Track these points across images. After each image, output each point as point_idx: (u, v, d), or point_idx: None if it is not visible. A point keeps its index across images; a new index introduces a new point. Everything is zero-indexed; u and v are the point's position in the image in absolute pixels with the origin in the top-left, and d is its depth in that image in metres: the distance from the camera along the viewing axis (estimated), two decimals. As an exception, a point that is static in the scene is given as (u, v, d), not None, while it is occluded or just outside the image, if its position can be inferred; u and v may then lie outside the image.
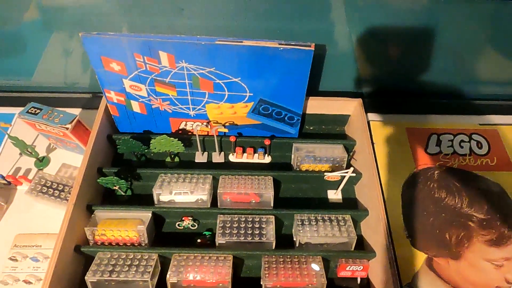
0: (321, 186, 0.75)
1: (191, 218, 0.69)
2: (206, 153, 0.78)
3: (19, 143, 0.71)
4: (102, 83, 0.68)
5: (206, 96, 0.69)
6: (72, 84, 0.90)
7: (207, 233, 0.69)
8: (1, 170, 0.77)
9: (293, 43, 0.59)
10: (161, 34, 0.61)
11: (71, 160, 0.79)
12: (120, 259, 0.62)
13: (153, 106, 0.72)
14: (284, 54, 0.60)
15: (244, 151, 0.77)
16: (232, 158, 0.78)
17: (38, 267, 0.67)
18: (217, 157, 0.78)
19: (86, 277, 0.59)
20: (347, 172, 0.66)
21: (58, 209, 0.71)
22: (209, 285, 0.61)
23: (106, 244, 0.65)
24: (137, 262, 0.62)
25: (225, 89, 0.67)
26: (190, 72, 0.64)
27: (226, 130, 0.75)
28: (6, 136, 0.81)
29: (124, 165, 0.76)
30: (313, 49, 0.59)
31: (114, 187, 0.70)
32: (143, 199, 0.73)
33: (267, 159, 0.78)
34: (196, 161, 0.78)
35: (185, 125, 0.76)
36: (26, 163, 0.79)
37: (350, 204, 0.74)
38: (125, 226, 0.65)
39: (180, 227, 0.70)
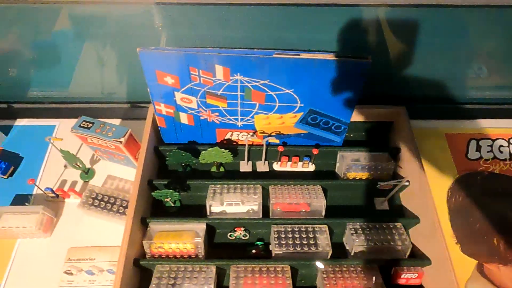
0: (367, 194, 0.76)
1: (243, 229, 0.70)
2: (250, 162, 0.79)
3: (69, 157, 0.71)
4: (153, 96, 0.68)
5: (257, 107, 0.69)
6: (109, 95, 0.91)
7: (259, 243, 0.70)
8: (46, 183, 0.77)
9: (350, 55, 0.60)
10: (204, 46, 0.62)
11: (115, 171, 0.80)
12: (180, 272, 0.63)
13: (201, 118, 0.72)
14: (340, 66, 0.61)
15: (289, 160, 0.77)
16: (276, 167, 0.79)
17: (94, 280, 0.67)
18: (262, 166, 0.79)
19: (151, 289, 0.60)
20: (400, 181, 0.66)
21: (110, 222, 0.72)
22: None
23: (163, 256, 0.65)
24: (197, 275, 0.62)
25: (276, 100, 0.67)
26: (243, 84, 0.65)
27: (277, 141, 0.75)
28: (49, 149, 0.82)
29: (169, 176, 0.76)
30: (370, 61, 0.60)
31: (166, 199, 0.71)
32: (192, 210, 0.74)
33: (311, 168, 0.79)
34: (241, 170, 0.78)
35: (231, 135, 0.77)
36: (70, 176, 0.79)
37: (397, 212, 0.75)
38: (181, 238, 0.66)
39: (231, 238, 0.70)
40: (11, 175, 0.78)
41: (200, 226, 0.68)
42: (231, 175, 0.78)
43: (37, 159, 0.80)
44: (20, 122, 0.86)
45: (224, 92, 0.66)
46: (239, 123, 0.73)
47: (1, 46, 0.81)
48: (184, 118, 0.73)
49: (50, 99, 0.90)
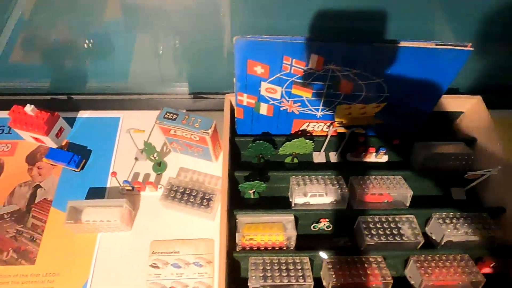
0: (443, 184, 0.75)
1: (328, 220, 0.69)
2: (323, 153, 0.78)
3: (150, 149, 0.69)
4: (239, 87, 0.67)
5: (341, 97, 0.68)
6: (170, 86, 0.89)
7: (342, 235, 0.70)
8: (119, 176, 0.75)
9: (450, 44, 0.59)
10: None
11: (186, 163, 0.78)
12: (274, 264, 0.62)
13: (281, 108, 0.71)
14: (439, 55, 0.60)
15: (365, 151, 0.77)
16: (350, 157, 0.78)
17: (182, 274, 0.66)
18: (334, 157, 0.78)
19: (249, 283, 0.59)
20: (490, 171, 0.66)
21: (190, 215, 0.71)
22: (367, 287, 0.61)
23: (255, 249, 0.65)
24: (292, 266, 0.62)
25: (364, 90, 0.66)
26: (334, 74, 0.63)
27: (362, 131, 0.74)
28: (117, 141, 0.80)
29: (244, 167, 0.75)
30: (471, 49, 0.59)
31: (250, 191, 0.70)
32: (271, 201, 0.73)
33: (385, 158, 0.78)
34: (314, 161, 0.78)
35: (307, 126, 0.76)
36: (141, 168, 0.78)
37: (474, 201, 0.75)
38: (271, 230, 0.65)
39: (314, 229, 0.70)
40: (82, 168, 0.76)
41: (286, 218, 0.67)
42: (305, 166, 0.77)
43: (106, 152, 0.78)
44: (83, 114, 0.84)
45: (312, 82, 0.65)
46: (319, 114, 0.72)
47: (57, 36, 0.79)
48: (263, 109, 0.72)
49: (109, 90, 0.89)
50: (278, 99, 0.69)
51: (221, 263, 0.57)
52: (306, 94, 0.68)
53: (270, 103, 0.70)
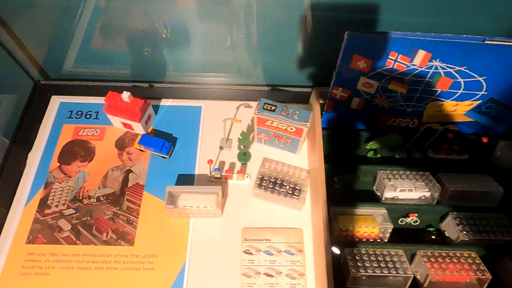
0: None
1: (416, 215, 0.70)
2: (405, 149, 0.79)
3: (244, 139, 0.71)
4: (337, 80, 0.68)
5: (436, 94, 0.69)
6: (247, 77, 0.90)
7: (431, 229, 0.71)
8: (204, 163, 0.77)
9: None
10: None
11: (269, 154, 0.80)
12: (371, 255, 0.64)
13: (372, 103, 0.72)
14: (550, 55, 0.60)
15: (449, 148, 0.77)
16: (431, 154, 0.79)
17: (274, 261, 0.68)
18: (417, 153, 0.79)
19: (351, 274, 0.61)
20: None
21: (279, 203, 0.73)
22: (459, 280, 0.63)
23: (352, 239, 0.66)
24: (390, 258, 0.63)
25: (462, 87, 0.67)
26: (436, 70, 0.64)
27: (456, 128, 0.75)
28: (201, 129, 0.82)
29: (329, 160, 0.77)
30: None
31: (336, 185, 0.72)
32: (355, 194, 0.74)
33: (465, 156, 0.79)
34: (396, 156, 0.79)
35: (393, 121, 0.76)
36: (226, 157, 0.79)
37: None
38: (365, 222, 0.67)
39: (402, 223, 0.71)
40: (170, 154, 0.78)
41: (377, 211, 0.69)
42: (387, 161, 0.78)
43: (192, 140, 0.80)
44: (166, 102, 0.86)
45: (412, 78, 0.66)
46: (408, 109, 0.73)
47: (134, 24, 0.80)
48: (355, 103, 0.72)
49: (188, 79, 0.90)
50: (372, 94, 0.70)
51: (327, 254, 0.59)
52: (402, 89, 0.69)
53: (363, 97, 0.71)
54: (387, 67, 0.64)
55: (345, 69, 0.65)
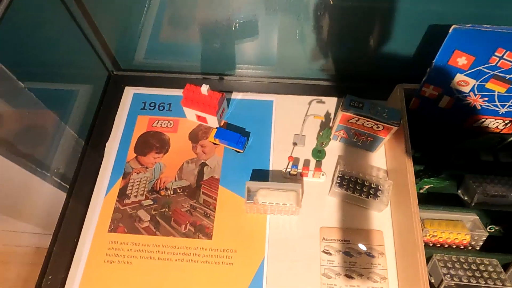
0: None
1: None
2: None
3: (326, 136, 0.69)
4: (429, 77, 0.64)
5: (539, 94, 0.64)
6: (317, 71, 0.88)
7: (524, 238, 0.66)
8: (278, 159, 0.76)
9: None
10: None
11: (343, 152, 0.77)
12: (464, 263, 0.61)
13: (463, 102, 0.68)
14: None
15: (543, 152, 0.72)
16: (520, 158, 0.74)
17: (355, 263, 0.66)
18: (505, 157, 0.74)
19: (445, 282, 0.58)
20: None
21: (359, 204, 0.70)
22: None
23: (438, 245, 0.64)
24: (484, 268, 0.60)
25: None
26: (546, 69, 0.59)
27: None
28: (273, 124, 0.81)
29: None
30: None
31: (425, 186, 0.68)
32: (438, 197, 0.71)
33: (559, 161, 0.73)
34: (482, 159, 0.74)
35: (483, 122, 0.72)
36: (299, 154, 0.77)
37: None
38: (455, 228, 0.63)
39: (491, 230, 0.67)
40: (244, 149, 0.78)
41: (467, 217, 0.65)
42: (470, 163, 0.74)
43: (264, 135, 0.79)
44: (236, 95, 0.85)
45: (514, 77, 0.61)
46: (503, 110, 0.68)
47: (202, 16, 0.79)
48: (444, 102, 0.68)
49: (258, 73, 0.89)
50: (465, 93, 0.66)
51: (422, 260, 0.56)
52: (501, 89, 0.64)
53: (455, 96, 0.67)
54: (489, 65, 0.60)
55: (441, 66, 0.62)
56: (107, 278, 0.66)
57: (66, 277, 0.66)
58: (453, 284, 0.58)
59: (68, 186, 0.77)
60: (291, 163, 0.74)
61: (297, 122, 0.81)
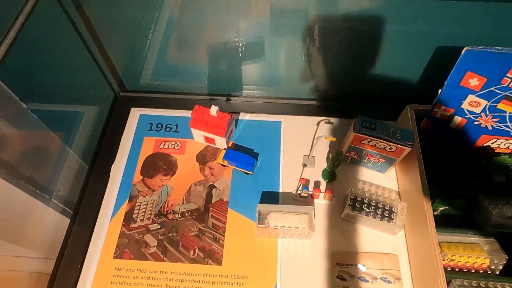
0: None
1: (526, 245, 0.65)
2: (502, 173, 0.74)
3: (337, 158, 0.68)
4: (441, 98, 0.64)
5: (551, 114, 0.64)
6: (325, 93, 0.88)
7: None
8: (288, 181, 0.75)
9: None
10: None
11: (353, 173, 0.76)
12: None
13: (474, 123, 0.68)
14: None
15: (555, 173, 0.71)
16: (532, 178, 0.73)
17: (370, 288, 0.64)
18: (516, 177, 0.74)
19: (467, 308, 0.56)
20: None
21: (371, 227, 0.69)
22: None
23: (457, 270, 0.62)
24: (504, 293, 0.58)
25: None
26: (558, 89, 0.59)
27: None
28: (282, 145, 0.80)
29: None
30: None
31: (440, 209, 0.67)
32: (450, 219, 0.69)
33: None
34: (494, 180, 0.73)
35: (493, 142, 0.72)
36: (309, 175, 0.76)
37: None
38: (473, 252, 0.62)
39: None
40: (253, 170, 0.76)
41: (485, 239, 0.64)
42: (483, 184, 0.73)
43: (273, 156, 0.78)
44: (244, 116, 0.84)
45: (527, 97, 0.61)
46: (514, 130, 0.68)
47: (208, 38, 0.79)
48: (455, 122, 0.68)
49: (264, 94, 0.89)
50: (477, 114, 0.66)
51: (441, 283, 0.54)
52: (512, 109, 0.64)
53: (466, 116, 0.67)
54: (501, 86, 0.60)
55: (454, 86, 0.62)
56: (113, 308, 0.63)
57: (69, 307, 0.63)
58: (475, 311, 0.56)
59: (71, 212, 0.75)
60: (302, 185, 0.73)
61: (306, 143, 0.80)
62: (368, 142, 0.66)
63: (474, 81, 0.60)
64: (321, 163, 0.78)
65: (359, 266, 0.65)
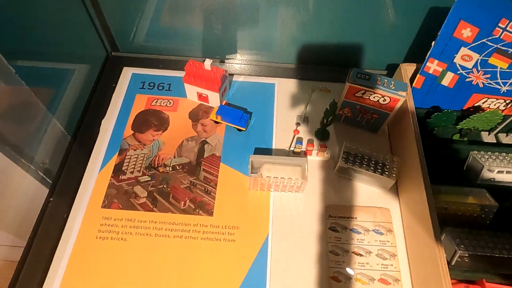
0: None
1: (516, 199, 0.66)
2: (492, 134, 0.75)
3: (332, 111, 0.68)
4: (434, 52, 0.65)
5: (540, 70, 0.65)
6: (320, 58, 0.88)
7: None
8: (281, 139, 0.74)
9: None
10: None
11: (345, 133, 0.76)
12: (476, 236, 0.58)
13: (466, 79, 0.69)
14: None
15: (543, 133, 0.73)
16: (521, 140, 0.74)
17: (363, 240, 0.64)
18: (505, 138, 0.74)
19: (458, 253, 0.56)
20: None
21: (364, 182, 0.69)
22: None
23: (448, 220, 0.62)
24: (496, 239, 0.58)
25: None
26: (547, 42, 0.61)
27: None
28: (276, 105, 0.79)
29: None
30: None
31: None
32: (445, 176, 0.70)
33: (559, 143, 0.74)
34: (484, 140, 0.74)
35: (484, 102, 0.73)
36: (302, 134, 0.76)
37: None
38: (464, 201, 0.62)
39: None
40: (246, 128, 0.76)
41: (476, 191, 0.64)
42: (474, 143, 0.74)
43: (267, 115, 0.78)
44: (238, 78, 0.84)
45: (517, 50, 0.63)
46: (504, 88, 0.69)
47: (206, 1, 0.79)
48: (447, 79, 0.69)
49: (258, 58, 0.89)
50: (468, 69, 0.67)
51: (437, 235, 0.54)
52: (503, 64, 0.65)
53: (458, 72, 0.68)
54: (493, 37, 0.61)
55: (447, 37, 0.63)
56: (99, 255, 0.61)
57: (53, 253, 0.61)
58: (466, 255, 0.56)
59: (60, 162, 0.73)
60: (296, 139, 0.72)
61: (299, 104, 0.80)
62: (362, 94, 0.66)
63: (467, 31, 0.61)
64: (315, 124, 0.78)
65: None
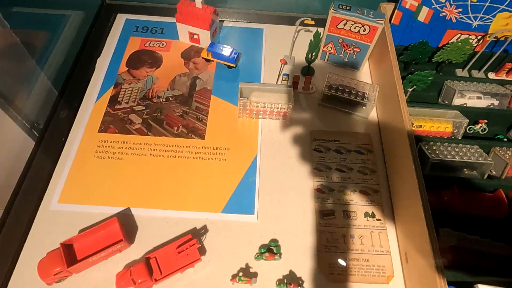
0: None
1: (486, 122, 0.71)
2: (466, 70, 0.80)
3: (315, 43, 0.72)
4: (410, -16, 0.70)
5: (507, 3, 0.70)
6: (305, 7, 0.92)
7: (500, 136, 0.71)
8: (268, 74, 0.79)
9: None
10: None
11: (331, 70, 0.80)
12: (448, 147, 0.64)
13: (440, 14, 0.74)
14: None
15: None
16: (492, 75, 0.80)
17: (345, 158, 0.68)
18: (477, 74, 0.80)
19: (430, 160, 0.60)
20: None
21: (347, 110, 0.73)
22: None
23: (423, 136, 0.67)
24: (466, 150, 0.63)
25: (534, -6, 0.69)
26: (512, -28, 0.66)
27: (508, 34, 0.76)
28: (264, 46, 0.84)
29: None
30: None
31: (409, 90, 0.72)
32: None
33: (522, 78, 0.80)
34: (458, 75, 0.80)
35: (457, 38, 0.78)
36: (289, 71, 0.80)
37: None
38: (438, 119, 0.67)
39: (470, 131, 0.71)
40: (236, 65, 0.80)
41: (450, 113, 0.69)
42: (448, 76, 0.79)
43: (255, 55, 0.82)
44: (228, 23, 0.88)
45: (492, -19, 0.68)
46: (475, 23, 0.74)
47: None
48: (422, 15, 0.74)
49: (248, 5, 0.92)
50: (442, 3, 0.72)
51: (412, 148, 0.58)
52: (473, -3, 0.70)
53: (432, 7, 0.73)
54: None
55: (421, -31, 0.68)
56: (97, 171, 0.64)
57: (53, 170, 0.64)
58: (439, 162, 0.61)
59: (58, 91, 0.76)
60: (282, 68, 0.75)
61: (286, 48, 0.84)
62: (344, 25, 0.71)
63: (440, -38, 0.66)
64: (301, 64, 0.82)
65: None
